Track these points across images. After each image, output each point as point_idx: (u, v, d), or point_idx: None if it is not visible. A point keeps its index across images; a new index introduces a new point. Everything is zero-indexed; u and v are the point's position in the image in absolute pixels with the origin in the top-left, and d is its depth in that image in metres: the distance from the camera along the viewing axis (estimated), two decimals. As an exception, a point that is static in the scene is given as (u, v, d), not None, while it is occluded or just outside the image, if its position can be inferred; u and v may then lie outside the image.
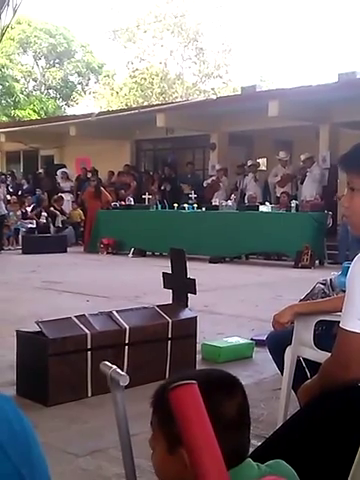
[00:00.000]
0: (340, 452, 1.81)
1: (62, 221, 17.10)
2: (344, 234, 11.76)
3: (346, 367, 1.85)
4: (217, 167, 16.39)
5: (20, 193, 18.64)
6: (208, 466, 1.07)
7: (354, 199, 1.96)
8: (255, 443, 1.96)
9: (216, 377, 1.38)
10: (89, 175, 18.00)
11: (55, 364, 3.87)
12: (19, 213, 16.92)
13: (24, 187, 19.59)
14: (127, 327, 4.19)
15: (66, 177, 18.63)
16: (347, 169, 1.99)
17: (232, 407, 1.31)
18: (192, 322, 4.65)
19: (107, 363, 1.53)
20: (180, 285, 4.95)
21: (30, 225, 16.61)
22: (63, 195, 17.77)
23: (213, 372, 1.42)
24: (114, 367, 1.49)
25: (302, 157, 14.22)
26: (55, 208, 17.25)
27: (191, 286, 4.86)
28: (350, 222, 2.05)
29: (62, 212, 17.28)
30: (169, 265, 5.10)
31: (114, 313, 4.34)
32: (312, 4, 54.65)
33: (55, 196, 17.70)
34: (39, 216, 16.89)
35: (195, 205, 13.89)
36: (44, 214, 16.90)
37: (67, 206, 17.63)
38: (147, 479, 2.81)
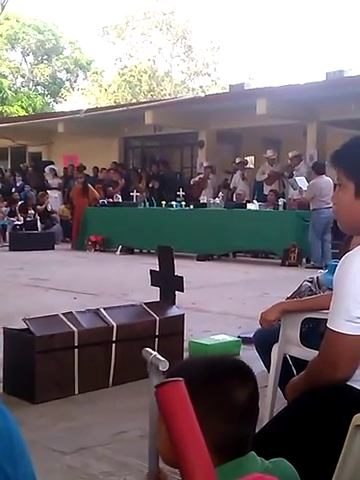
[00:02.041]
0: (326, 450, 1.82)
1: (51, 218, 17.02)
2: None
3: (334, 367, 1.86)
4: (205, 164, 16.41)
5: (14, 190, 18.53)
6: (195, 463, 1.08)
7: (340, 195, 2.00)
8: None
9: (231, 363, 1.39)
10: (76, 172, 17.97)
11: (42, 361, 3.87)
12: (4, 209, 16.84)
13: (18, 184, 19.49)
14: (114, 324, 4.20)
15: (54, 174, 18.57)
16: (335, 166, 2.02)
17: (243, 394, 1.32)
18: (179, 320, 4.65)
19: (149, 349, 1.56)
20: (167, 282, 4.95)
21: (17, 222, 16.54)
22: (50, 192, 17.70)
23: (228, 358, 1.43)
24: (155, 353, 1.53)
25: (290, 154, 14.25)
26: (40, 205, 17.18)
27: (178, 284, 4.86)
28: (337, 217, 2.08)
29: (49, 210, 17.19)
30: (157, 262, 5.10)
31: (101, 310, 4.34)
32: (300, 3, 54.75)
33: (40, 192, 17.64)
34: (26, 213, 16.82)
35: (183, 203, 13.90)
36: (31, 212, 16.84)
37: (55, 203, 17.56)
38: (135, 477, 2.82)
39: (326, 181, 11.27)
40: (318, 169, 11.58)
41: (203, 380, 1.30)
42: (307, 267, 11.18)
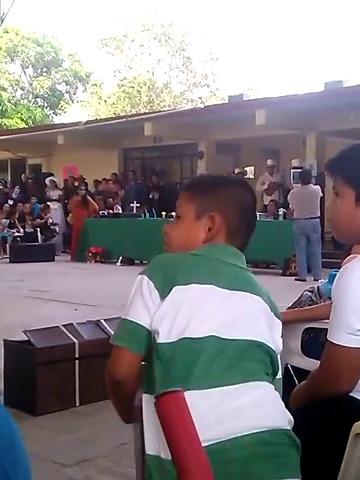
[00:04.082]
0: (328, 459, 1.82)
1: (51, 229, 17.00)
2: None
3: (335, 380, 1.85)
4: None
5: (12, 202, 18.53)
6: (194, 471, 1.08)
7: (338, 204, 1.96)
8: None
9: (235, 178, 1.91)
10: (76, 183, 18.00)
11: (43, 373, 3.86)
12: (4, 221, 16.85)
13: (14, 196, 19.50)
14: (115, 336, 4.18)
15: (54, 185, 18.59)
16: (333, 174, 1.99)
17: (249, 197, 1.79)
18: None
19: None
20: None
21: (17, 233, 16.56)
22: (50, 204, 17.72)
23: (233, 176, 1.92)
24: None
25: (293, 163, 14.30)
26: (41, 217, 17.20)
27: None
28: (331, 226, 2.06)
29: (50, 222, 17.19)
30: (157, 273, 5.09)
31: (102, 322, 4.33)
32: (298, 14, 55.07)
33: (42, 205, 17.68)
34: (24, 222, 16.86)
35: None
36: (29, 223, 16.87)
37: (55, 214, 17.56)
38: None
39: (311, 191, 11.15)
40: (303, 178, 11.41)
41: (216, 184, 1.77)
42: (296, 279, 10.98)
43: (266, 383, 1.53)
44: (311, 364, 2.38)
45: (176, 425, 1.10)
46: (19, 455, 0.98)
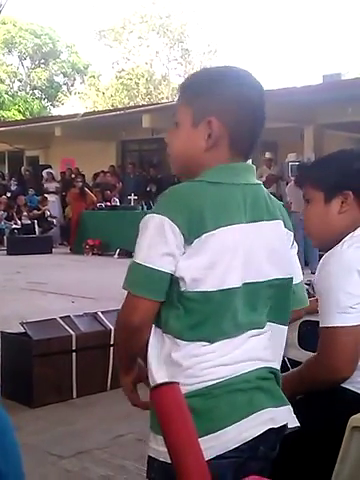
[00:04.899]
0: (324, 453, 1.82)
1: (49, 221, 16.99)
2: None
3: (333, 365, 1.85)
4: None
5: (9, 195, 18.51)
6: (191, 464, 1.08)
7: (309, 209, 2.03)
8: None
9: (242, 71, 1.58)
10: (73, 176, 17.97)
11: (40, 365, 3.86)
12: (1, 213, 16.84)
13: (13, 188, 19.48)
14: (112, 328, 4.19)
15: (51, 177, 18.56)
16: (302, 184, 2.07)
17: (255, 94, 1.54)
18: (177, 323, 4.64)
19: None
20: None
21: (15, 226, 16.54)
22: (48, 196, 17.70)
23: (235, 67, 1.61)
24: None
25: (289, 157, 14.28)
26: (39, 209, 17.19)
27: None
28: (307, 233, 2.11)
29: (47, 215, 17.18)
30: (154, 266, 5.09)
31: (99, 314, 4.33)
32: (297, 7, 54.93)
33: (40, 197, 17.66)
34: (20, 216, 16.86)
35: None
36: (25, 214, 16.87)
37: (52, 206, 17.55)
38: (132, 480, 2.81)
39: None
40: None
41: (213, 82, 1.52)
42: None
43: (268, 328, 1.60)
44: (308, 357, 2.38)
45: (174, 418, 1.09)
46: (9, 447, 0.97)
